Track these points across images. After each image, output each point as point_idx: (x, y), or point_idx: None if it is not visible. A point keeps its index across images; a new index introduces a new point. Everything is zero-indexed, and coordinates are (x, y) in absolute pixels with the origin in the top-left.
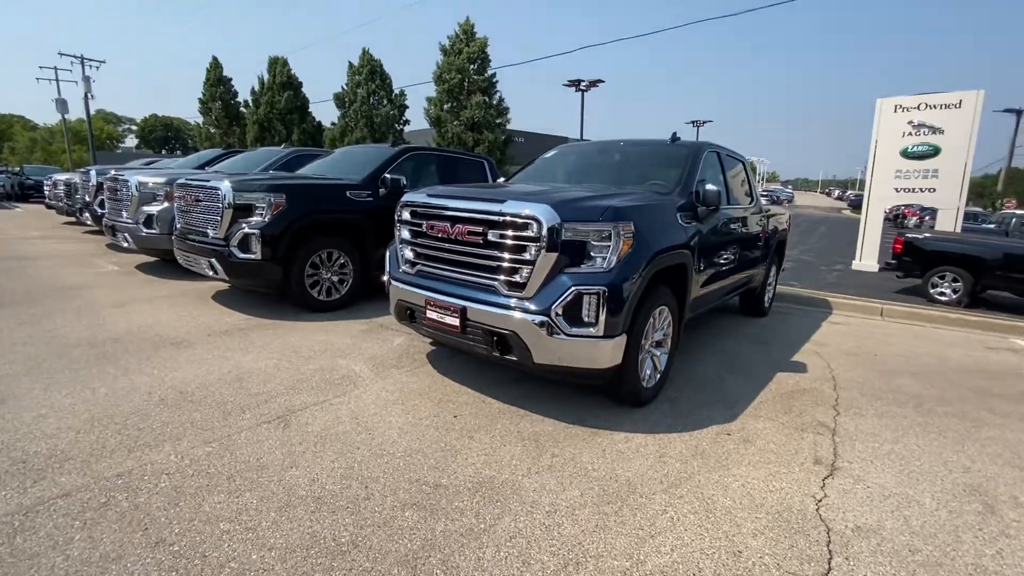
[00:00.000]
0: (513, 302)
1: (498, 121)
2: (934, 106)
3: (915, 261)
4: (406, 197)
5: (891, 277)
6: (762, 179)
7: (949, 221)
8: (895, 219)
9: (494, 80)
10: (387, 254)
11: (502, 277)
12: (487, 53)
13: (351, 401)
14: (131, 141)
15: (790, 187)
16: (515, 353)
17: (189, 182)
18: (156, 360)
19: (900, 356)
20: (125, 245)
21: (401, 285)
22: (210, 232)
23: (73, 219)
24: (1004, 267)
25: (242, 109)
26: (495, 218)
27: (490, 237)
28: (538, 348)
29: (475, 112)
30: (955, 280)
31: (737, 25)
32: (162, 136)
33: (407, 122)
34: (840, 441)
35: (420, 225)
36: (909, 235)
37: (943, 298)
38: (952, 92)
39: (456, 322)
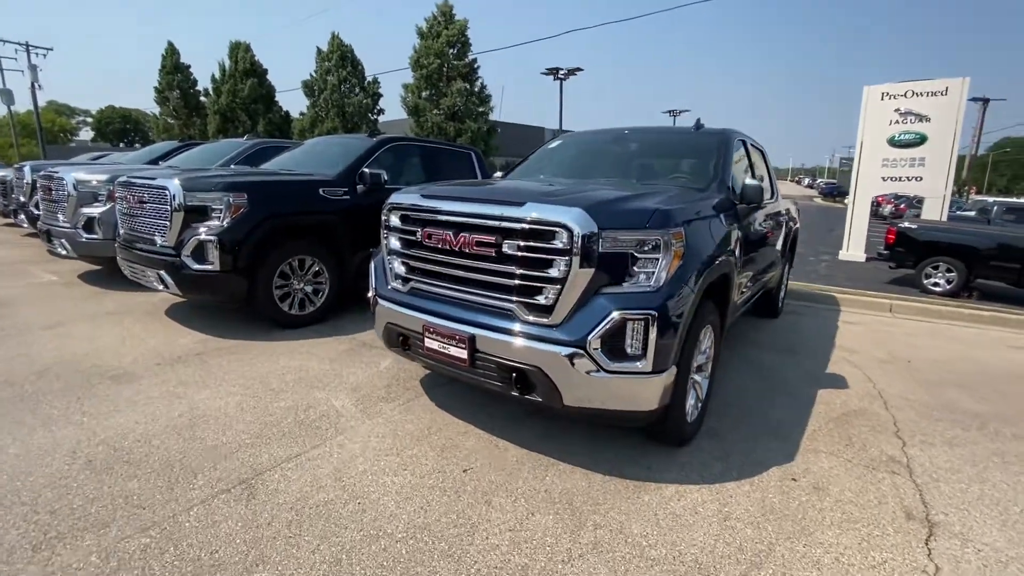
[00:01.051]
0: (536, 330)
1: (480, 110)
2: (921, 93)
3: (908, 251)
4: (394, 198)
5: (879, 267)
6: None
7: (935, 210)
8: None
9: (476, 66)
10: (372, 267)
11: (522, 299)
12: (467, 36)
13: (334, 453)
14: (86, 134)
15: None
16: (539, 392)
17: (132, 180)
18: (89, 402)
19: (934, 362)
20: (63, 252)
21: (390, 305)
22: (158, 239)
23: (12, 220)
24: (998, 257)
25: (202, 98)
26: (512, 225)
27: (506, 249)
28: (569, 387)
29: (456, 100)
30: (949, 270)
31: (707, 13)
32: (120, 128)
33: (381, 111)
34: (921, 483)
35: (413, 233)
36: (902, 225)
37: (937, 288)
38: (938, 79)
39: (463, 354)
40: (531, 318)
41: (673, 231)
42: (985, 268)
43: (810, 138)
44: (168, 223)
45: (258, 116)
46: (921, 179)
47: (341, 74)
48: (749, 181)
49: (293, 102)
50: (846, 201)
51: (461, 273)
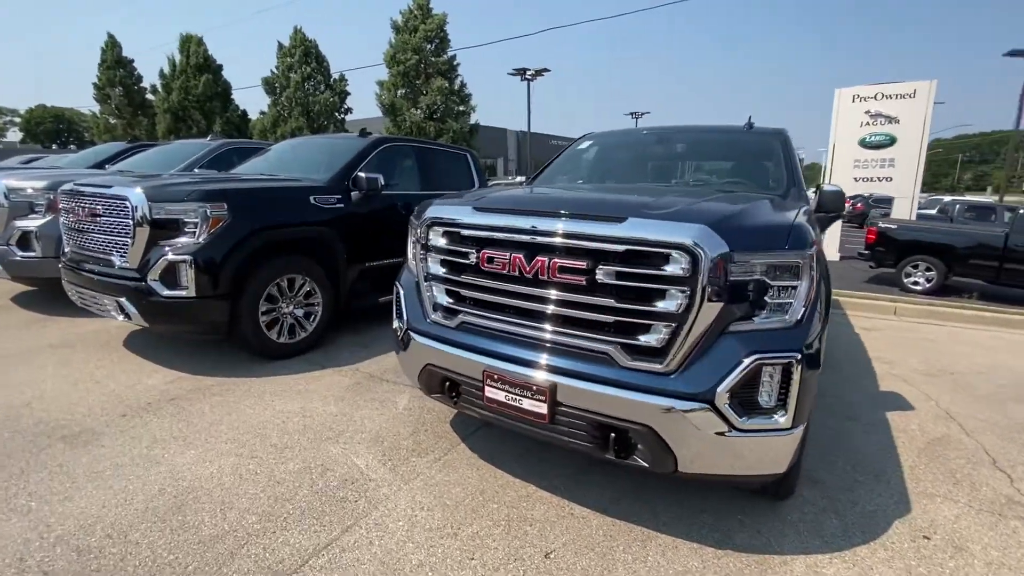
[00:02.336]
0: (643, 379)
1: (461, 109)
2: (890, 96)
3: (888, 251)
4: (434, 211)
5: (856, 266)
6: None
7: (904, 210)
8: None
9: (455, 63)
10: (398, 293)
11: (622, 339)
12: (446, 31)
13: (373, 538)
14: (14, 135)
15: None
16: (643, 456)
17: (80, 189)
18: (36, 477)
19: (976, 373)
20: None
21: (432, 343)
22: (116, 260)
23: None
24: (975, 255)
25: (149, 96)
26: (610, 247)
27: (600, 276)
28: (688, 451)
29: (436, 98)
30: (928, 269)
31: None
32: (52, 129)
33: (349, 110)
34: None
35: (464, 255)
36: (882, 225)
37: (917, 287)
38: (906, 82)
39: (542, 408)
40: (635, 364)
41: (810, 252)
42: (963, 266)
43: None
44: (129, 240)
45: (214, 115)
46: (891, 179)
47: (305, 71)
48: (829, 187)
49: (251, 100)
50: None
51: (536, 306)
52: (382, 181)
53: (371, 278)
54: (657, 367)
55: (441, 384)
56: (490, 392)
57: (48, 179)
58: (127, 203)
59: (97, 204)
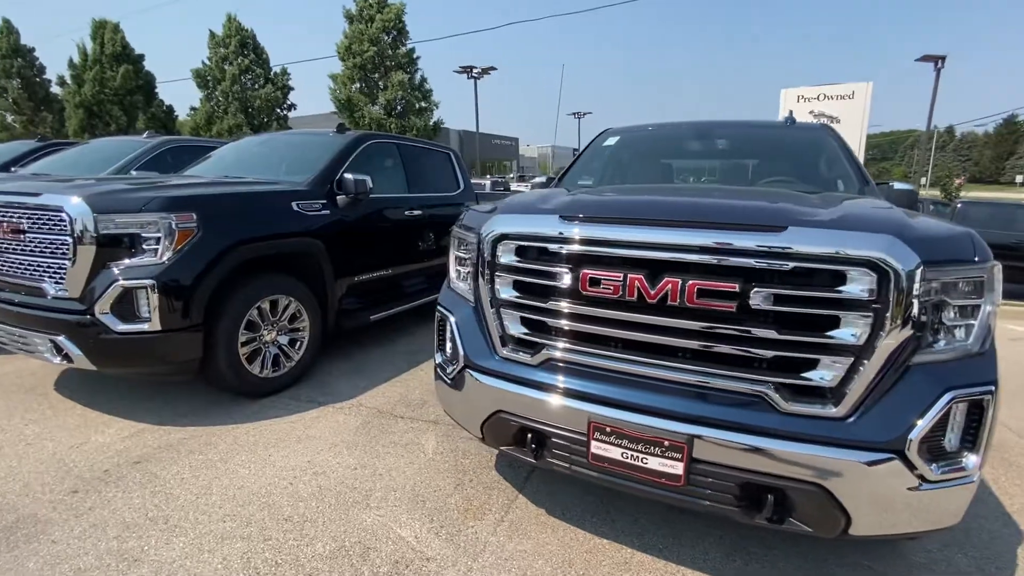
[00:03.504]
0: (810, 426)
1: (423, 105)
2: (832, 96)
3: None
4: (506, 223)
5: None
6: None
7: None
8: None
9: (415, 56)
10: (443, 320)
11: (781, 377)
12: (404, 22)
13: None
14: None
15: None
16: (806, 518)
17: None
18: None
19: None
20: None
21: (506, 386)
22: (49, 287)
23: None
24: None
25: (55, 89)
26: (772, 263)
27: (755, 300)
28: (869, 511)
29: (396, 93)
30: None
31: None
32: None
33: (292, 106)
34: None
35: (555, 276)
36: None
37: None
38: (846, 83)
39: (675, 468)
40: (798, 408)
41: (992, 264)
42: None
43: None
44: (67, 262)
45: (136, 110)
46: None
47: (242, 63)
48: (901, 185)
49: (178, 95)
50: None
51: (663, 340)
52: (370, 183)
53: (361, 294)
54: (827, 411)
55: (518, 436)
56: (599, 448)
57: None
58: (63, 215)
59: (19, 217)
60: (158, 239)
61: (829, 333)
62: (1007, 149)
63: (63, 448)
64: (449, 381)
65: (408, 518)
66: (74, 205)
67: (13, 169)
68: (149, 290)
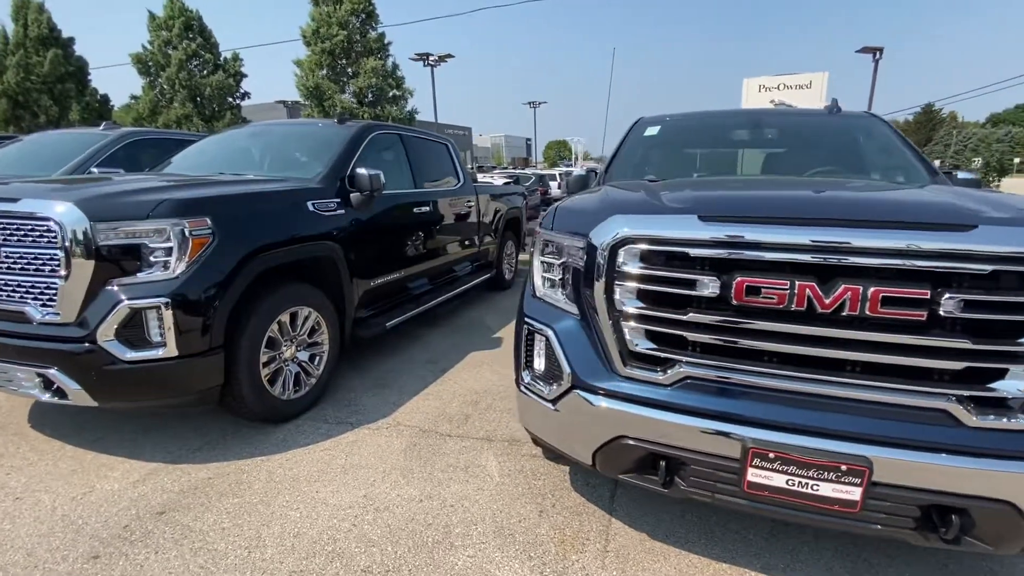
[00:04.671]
0: (999, 440)
1: (396, 93)
2: (791, 86)
3: None
4: (629, 224)
5: None
6: (577, 157)
7: None
8: None
9: (387, 42)
10: (533, 333)
11: (967, 390)
12: (373, 5)
13: None
14: None
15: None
16: (986, 535)
17: None
18: None
19: None
20: None
21: (632, 409)
22: (34, 311)
23: None
24: None
25: None
26: (967, 266)
27: (947, 306)
28: None
29: (369, 80)
30: None
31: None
32: None
33: (246, 95)
34: None
35: (698, 284)
36: None
37: None
38: (803, 73)
39: (853, 494)
40: (986, 422)
41: None
42: None
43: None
44: (58, 280)
45: (68, 99)
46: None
47: (189, 47)
48: (964, 174)
49: (112, 83)
50: None
51: (831, 352)
52: (383, 178)
53: (376, 300)
54: (1017, 423)
55: (645, 463)
56: (758, 476)
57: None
58: (50, 224)
59: None
60: (169, 250)
61: (1021, 340)
62: (925, 136)
63: (64, 501)
64: (548, 403)
65: (502, 556)
66: (65, 212)
67: None
68: (162, 310)
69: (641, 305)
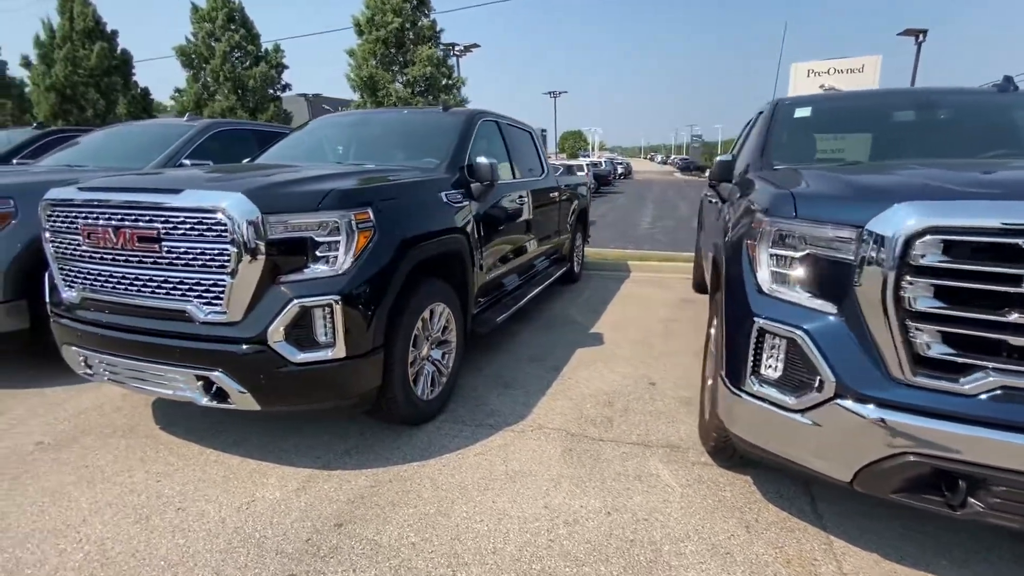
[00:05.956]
0: None
1: (448, 82)
2: (841, 70)
3: None
4: (931, 215)
5: None
6: (594, 148)
7: None
8: None
9: (439, 30)
10: (776, 336)
11: None
12: None
13: None
14: None
15: (616, 154)
16: None
17: (110, 197)
18: None
19: None
20: None
21: (922, 422)
22: (196, 310)
23: None
24: None
25: (14, 72)
26: None
27: None
28: None
29: (424, 69)
30: None
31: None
32: None
33: (287, 86)
34: None
35: (1018, 280)
36: None
37: None
38: (856, 57)
39: None
40: None
41: None
42: None
43: (651, 118)
44: (226, 277)
45: (115, 93)
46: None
47: (232, 39)
48: None
49: (151, 76)
50: (705, 174)
51: None
52: (498, 168)
53: (485, 294)
54: None
55: (928, 482)
56: None
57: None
58: (219, 216)
59: (151, 221)
60: (336, 243)
61: None
62: None
63: (230, 512)
64: (793, 414)
65: None
66: (235, 204)
67: (15, 161)
68: (333, 308)
69: (941, 305)
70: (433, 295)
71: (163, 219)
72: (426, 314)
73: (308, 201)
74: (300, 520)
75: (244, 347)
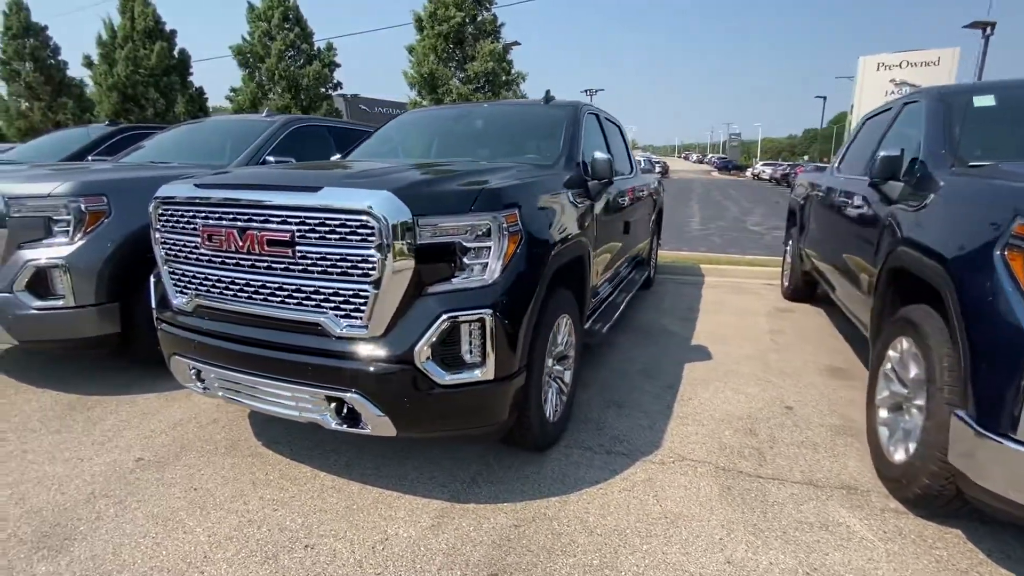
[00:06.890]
0: None
1: (508, 78)
2: (915, 64)
3: None
4: None
5: None
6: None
7: None
8: (783, 179)
9: (499, 24)
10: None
11: None
12: None
13: None
14: None
15: (649, 152)
16: None
17: (234, 195)
18: None
19: None
20: None
21: None
22: (332, 323)
23: None
24: None
25: (73, 71)
26: None
27: None
28: None
29: (487, 64)
30: None
31: None
32: None
33: (338, 84)
34: None
35: None
36: None
37: None
38: (931, 49)
39: None
40: None
41: None
42: None
43: (685, 116)
44: (369, 287)
45: (174, 92)
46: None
47: (288, 37)
48: None
49: (203, 75)
50: (746, 173)
51: None
52: (614, 164)
53: (598, 301)
54: None
55: None
56: None
57: (68, 177)
58: (365, 218)
59: (284, 223)
60: (487, 249)
61: None
62: None
63: (364, 552)
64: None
65: None
66: (384, 204)
67: (90, 158)
68: (484, 323)
69: None
70: (561, 306)
71: (299, 220)
72: (555, 327)
73: (460, 202)
74: (447, 568)
75: (388, 366)
